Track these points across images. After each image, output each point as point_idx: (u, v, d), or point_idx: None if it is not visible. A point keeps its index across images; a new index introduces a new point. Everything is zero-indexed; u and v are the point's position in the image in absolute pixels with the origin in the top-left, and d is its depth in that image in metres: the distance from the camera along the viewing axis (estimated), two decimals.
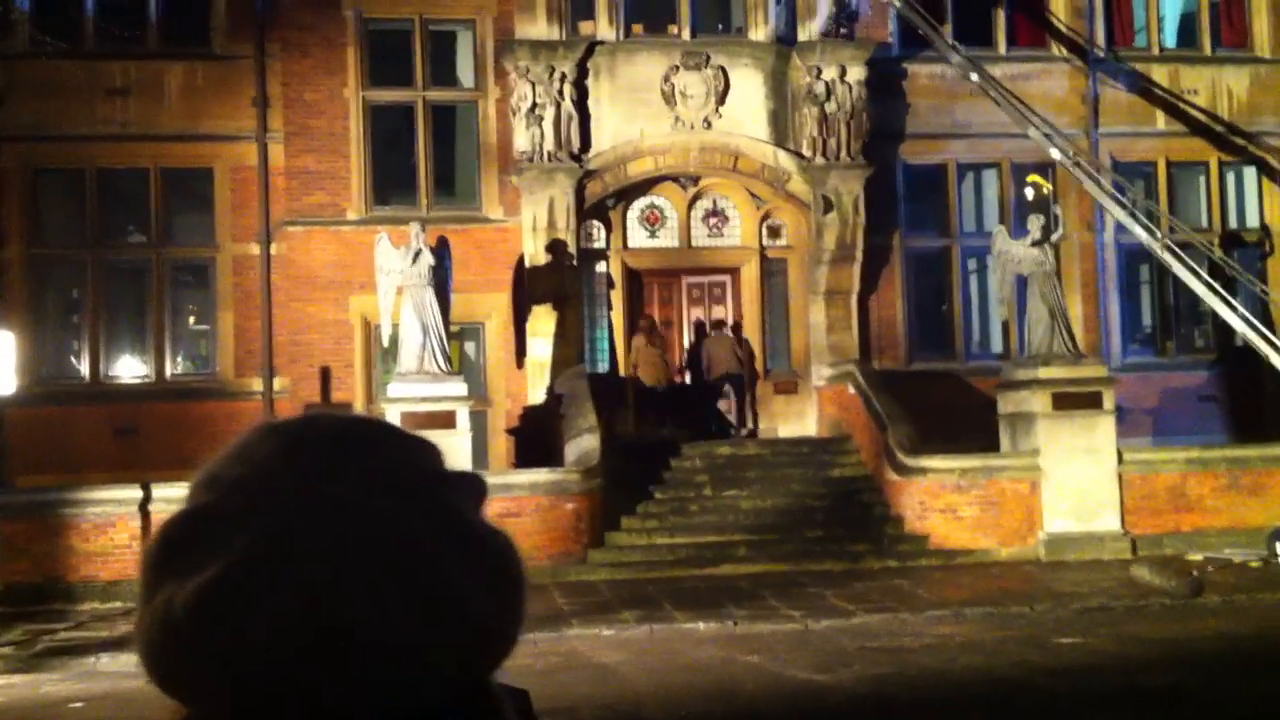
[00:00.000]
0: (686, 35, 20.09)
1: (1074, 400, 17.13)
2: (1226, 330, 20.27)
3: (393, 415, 15.08)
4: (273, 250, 19.69)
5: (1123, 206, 18.87)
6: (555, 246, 19.30)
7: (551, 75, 19.27)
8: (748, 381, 20.34)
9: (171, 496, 14.51)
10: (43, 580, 14.83)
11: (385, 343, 17.72)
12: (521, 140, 19.39)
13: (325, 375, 19.49)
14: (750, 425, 20.46)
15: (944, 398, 19.58)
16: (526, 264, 19.56)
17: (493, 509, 1.01)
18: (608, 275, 20.46)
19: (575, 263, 19.51)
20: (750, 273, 20.93)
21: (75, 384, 19.62)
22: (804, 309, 20.67)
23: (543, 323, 19.50)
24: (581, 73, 19.56)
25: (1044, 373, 17.23)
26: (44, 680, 11.33)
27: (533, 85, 19.27)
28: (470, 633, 0.94)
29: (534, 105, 19.26)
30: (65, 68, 19.30)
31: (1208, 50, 22.44)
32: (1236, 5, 22.57)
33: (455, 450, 15.27)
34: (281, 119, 19.82)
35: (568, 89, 19.32)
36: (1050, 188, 21.14)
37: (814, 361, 20.35)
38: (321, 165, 19.78)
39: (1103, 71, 21.76)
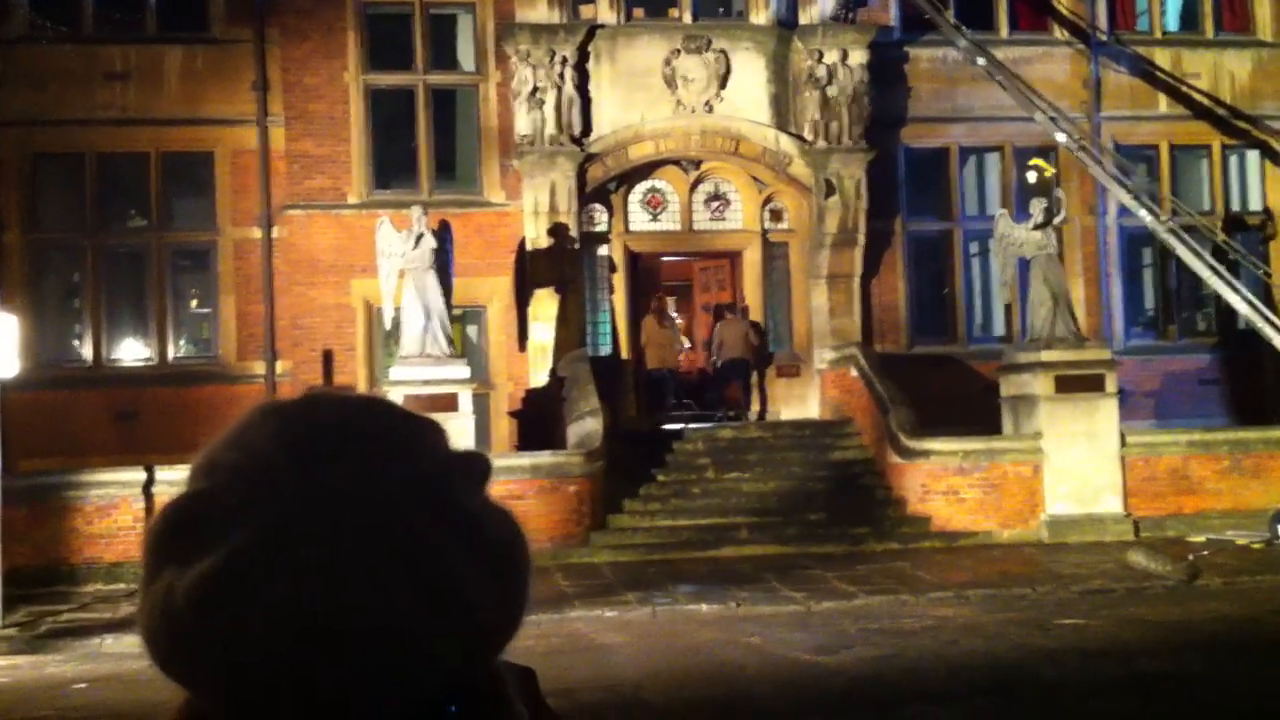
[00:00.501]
0: (688, 19, 20.04)
1: (1076, 383, 17.13)
2: (1228, 314, 20.29)
3: (395, 398, 14.93)
4: (274, 234, 19.68)
5: (1127, 190, 18.85)
6: (556, 230, 19.28)
7: (552, 59, 19.22)
8: (754, 365, 20.33)
9: (174, 479, 14.54)
10: (46, 563, 14.85)
11: (387, 326, 17.75)
12: (522, 124, 19.36)
13: (327, 359, 19.51)
14: (758, 409, 20.47)
15: (945, 381, 19.59)
16: (528, 248, 19.55)
17: (495, 492, 1.01)
18: (609, 259, 20.44)
19: (577, 246, 19.50)
20: (752, 256, 20.91)
21: (77, 368, 19.63)
22: (805, 293, 20.66)
23: (544, 306, 19.49)
24: (582, 56, 19.52)
25: (1046, 356, 17.24)
26: (48, 662, 11.37)
27: (533, 69, 19.23)
28: (472, 620, 0.93)
29: (535, 89, 19.23)
30: (64, 52, 19.28)
31: (1209, 34, 22.37)
32: None
33: (458, 433, 14.95)
34: (281, 103, 19.79)
35: (569, 73, 19.28)
36: (1052, 171, 21.12)
37: (816, 345, 20.35)
38: (322, 149, 19.76)
39: (1104, 55, 21.70)
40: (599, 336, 20.43)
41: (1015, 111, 19.59)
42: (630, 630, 11.96)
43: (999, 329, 21.56)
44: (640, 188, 20.63)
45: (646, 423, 19.57)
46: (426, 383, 16.18)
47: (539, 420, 18.68)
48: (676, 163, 20.46)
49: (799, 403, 20.49)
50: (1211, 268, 18.22)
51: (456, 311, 18.07)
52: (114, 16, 19.61)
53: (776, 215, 20.97)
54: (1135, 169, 20.39)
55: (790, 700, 9.24)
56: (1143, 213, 18.55)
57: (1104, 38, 21.71)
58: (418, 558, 0.91)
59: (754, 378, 20.43)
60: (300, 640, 0.88)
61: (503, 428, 19.53)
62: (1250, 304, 17.87)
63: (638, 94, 19.63)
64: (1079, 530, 16.76)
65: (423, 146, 20.16)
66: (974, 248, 21.78)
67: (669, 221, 20.77)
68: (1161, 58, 22.02)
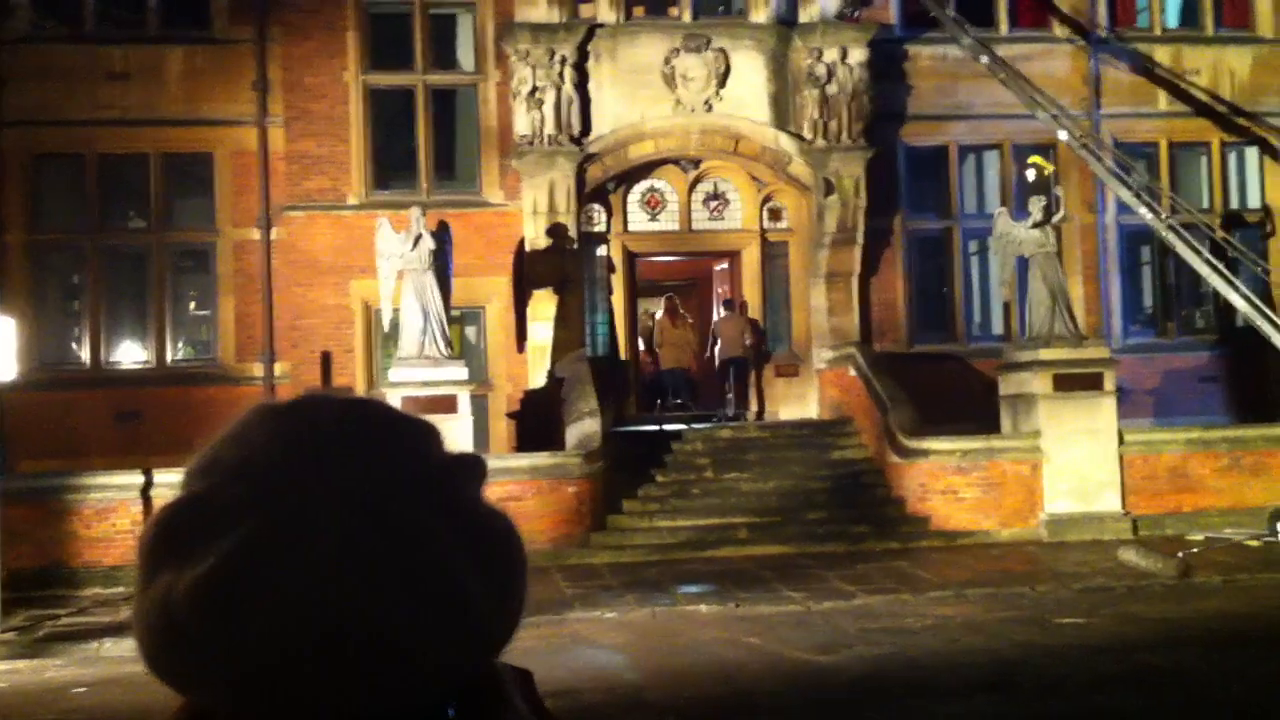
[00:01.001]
0: (687, 17, 20.03)
1: (1075, 381, 17.13)
2: (1227, 311, 20.29)
3: (394, 400, 15.07)
4: (273, 235, 19.67)
5: (1127, 187, 18.85)
6: (556, 230, 19.28)
7: (552, 58, 19.22)
8: (753, 364, 20.33)
9: (173, 482, 14.40)
10: (45, 566, 14.84)
11: (386, 327, 17.73)
12: (522, 124, 19.35)
13: (326, 360, 19.50)
14: (755, 408, 20.46)
15: (945, 380, 19.60)
16: (527, 248, 19.55)
17: (493, 493, 1.01)
18: (608, 259, 20.44)
19: (576, 246, 19.49)
20: (751, 255, 20.91)
21: (76, 369, 19.62)
22: (805, 292, 20.66)
23: (543, 306, 19.49)
24: (582, 56, 19.51)
25: (1045, 354, 17.23)
26: (47, 666, 11.34)
27: (533, 69, 19.22)
28: (470, 620, 0.93)
29: (534, 89, 19.22)
30: (65, 52, 19.27)
31: (1210, 30, 22.36)
32: None
33: (456, 434, 15.29)
34: (282, 103, 19.78)
35: (568, 72, 19.28)
36: (1052, 169, 21.10)
37: (815, 344, 20.34)
38: (322, 149, 19.76)
39: (1104, 52, 21.69)
40: (598, 337, 20.42)
41: (1015, 109, 19.58)
42: (630, 631, 11.96)
43: (998, 327, 21.55)
44: (639, 187, 20.63)
45: (646, 423, 19.56)
46: (425, 384, 16.17)
47: (538, 421, 18.67)
48: (675, 162, 20.46)
49: (798, 402, 20.49)
50: (1211, 265, 18.22)
51: (455, 312, 18.07)
52: (116, 16, 19.59)
53: (775, 214, 20.97)
54: (1135, 166, 20.38)
55: (790, 700, 9.24)
56: (1143, 210, 18.55)
57: (1104, 34, 21.71)
58: (416, 558, 0.91)
59: (752, 377, 20.44)
60: (299, 639, 0.88)
61: (501, 428, 19.52)
62: (1249, 301, 17.88)
63: (637, 93, 19.62)
64: (1078, 529, 16.76)
65: (422, 146, 20.16)
66: (973, 246, 21.76)
67: (668, 221, 20.77)
68: (1161, 54, 22.01)
